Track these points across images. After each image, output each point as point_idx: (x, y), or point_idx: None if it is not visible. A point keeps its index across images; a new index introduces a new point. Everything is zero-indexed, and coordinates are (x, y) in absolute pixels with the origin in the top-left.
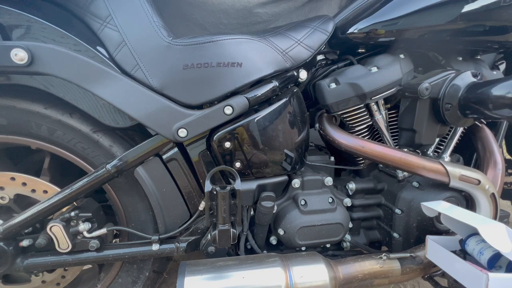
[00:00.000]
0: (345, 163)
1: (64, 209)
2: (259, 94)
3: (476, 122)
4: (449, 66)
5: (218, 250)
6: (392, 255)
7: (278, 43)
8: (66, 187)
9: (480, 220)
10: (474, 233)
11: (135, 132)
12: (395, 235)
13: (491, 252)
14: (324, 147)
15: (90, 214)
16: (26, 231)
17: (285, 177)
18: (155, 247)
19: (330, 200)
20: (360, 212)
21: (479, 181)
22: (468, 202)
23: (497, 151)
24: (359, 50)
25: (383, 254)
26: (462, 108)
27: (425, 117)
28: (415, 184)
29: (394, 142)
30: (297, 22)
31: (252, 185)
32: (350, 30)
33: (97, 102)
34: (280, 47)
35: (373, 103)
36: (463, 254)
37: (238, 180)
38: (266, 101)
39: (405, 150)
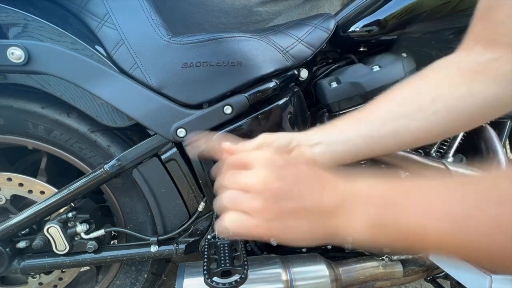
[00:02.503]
0: None
1: (61, 210)
2: (259, 93)
3: None
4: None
5: None
6: (394, 257)
7: (279, 42)
8: (63, 187)
9: None
10: None
11: (134, 132)
12: None
13: None
14: None
15: (88, 215)
16: (23, 232)
17: None
18: (154, 248)
19: None
20: None
21: None
22: None
23: (500, 151)
24: (361, 49)
25: (385, 255)
26: None
27: None
28: None
29: None
30: (298, 20)
31: None
32: (352, 29)
33: (95, 102)
34: (281, 46)
35: None
36: None
37: None
38: (266, 100)
39: (407, 150)
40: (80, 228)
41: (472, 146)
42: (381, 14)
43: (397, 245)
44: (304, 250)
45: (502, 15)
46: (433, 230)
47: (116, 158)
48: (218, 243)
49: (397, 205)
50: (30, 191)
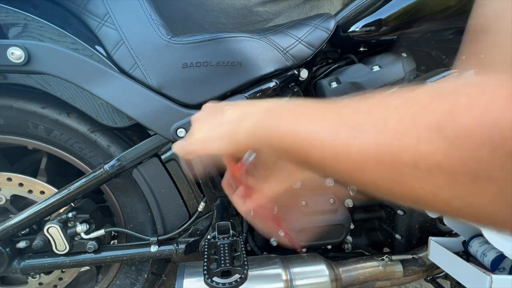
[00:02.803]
0: None
1: (61, 210)
2: (259, 93)
3: None
4: (452, 65)
5: None
6: (394, 257)
7: (279, 42)
8: (64, 187)
9: None
10: (478, 234)
11: (134, 132)
12: (397, 236)
13: (494, 254)
14: None
15: (88, 215)
16: (23, 232)
17: None
18: (154, 248)
19: (331, 200)
20: (362, 213)
21: None
22: None
23: None
24: (361, 49)
25: (385, 255)
26: None
27: None
28: None
29: None
30: (298, 20)
31: None
32: (352, 29)
33: (95, 102)
34: (281, 46)
35: None
36: (466, 255)
37: None
38: None
39: None
40: (80, 228)
41: None
42: (381, 14)
43: (278, 148)
44: (304, 250)
45: (485, 46)
46: (304, 132)
47: (116, 158)
48: (218, 243)
49: (274, 114)
50: (30, 191)
